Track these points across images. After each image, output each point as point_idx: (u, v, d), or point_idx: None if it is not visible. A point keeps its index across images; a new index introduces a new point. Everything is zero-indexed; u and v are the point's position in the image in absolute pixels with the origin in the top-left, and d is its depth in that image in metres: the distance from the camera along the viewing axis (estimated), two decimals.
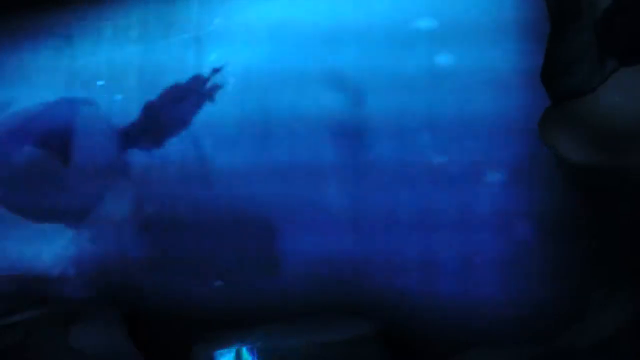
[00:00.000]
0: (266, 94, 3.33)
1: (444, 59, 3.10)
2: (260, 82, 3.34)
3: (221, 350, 2.93)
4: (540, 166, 2.92)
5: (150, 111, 3.49)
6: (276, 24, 3.35)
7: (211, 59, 3.45)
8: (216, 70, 3.41)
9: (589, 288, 2.85)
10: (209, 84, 3.42)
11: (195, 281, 3.29)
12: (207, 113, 3.41)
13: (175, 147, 3.41)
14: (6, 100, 3.68)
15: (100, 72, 3.64)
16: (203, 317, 3.22)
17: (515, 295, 2.91)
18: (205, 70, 3.44)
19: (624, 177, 2.71)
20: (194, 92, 3.44)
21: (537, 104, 2.90)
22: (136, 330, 3.08)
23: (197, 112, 3.43)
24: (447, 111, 3.11)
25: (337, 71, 3.24)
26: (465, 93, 3.06)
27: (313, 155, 3.28)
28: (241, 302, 3.24)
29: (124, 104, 3.54)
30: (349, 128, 3.25)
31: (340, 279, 3.22)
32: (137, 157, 3.46)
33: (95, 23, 3.65)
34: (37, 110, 3.61)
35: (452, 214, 3.11)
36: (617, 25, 2.69)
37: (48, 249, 3.46)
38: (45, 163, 3.50)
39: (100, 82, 3.61)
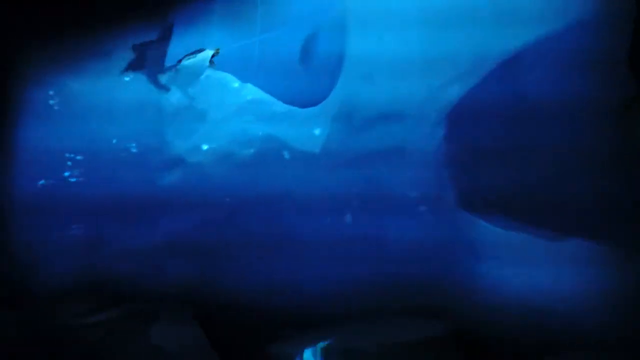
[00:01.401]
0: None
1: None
2: None
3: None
4: (623, 155, 2.79)
5: None
6: None
7: None
8: None
9: None
10: None
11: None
12: None
13: None
14: None
15: None
16: (276, 317, 3.24)
17: (604, 297, 2.77)
18: None
19: None
20: None
21: (621, 92, 2.76)
22: (211, 329, 3.14)
23: None
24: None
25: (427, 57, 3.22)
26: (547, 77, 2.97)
27: None
28: (314, 303, 3.24)
29: None
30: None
31: (414, 280, 3.18)
32: None
33: None
34: None
35: (538, 212, 3.02)
36: None
37: None
38: None
39: None
